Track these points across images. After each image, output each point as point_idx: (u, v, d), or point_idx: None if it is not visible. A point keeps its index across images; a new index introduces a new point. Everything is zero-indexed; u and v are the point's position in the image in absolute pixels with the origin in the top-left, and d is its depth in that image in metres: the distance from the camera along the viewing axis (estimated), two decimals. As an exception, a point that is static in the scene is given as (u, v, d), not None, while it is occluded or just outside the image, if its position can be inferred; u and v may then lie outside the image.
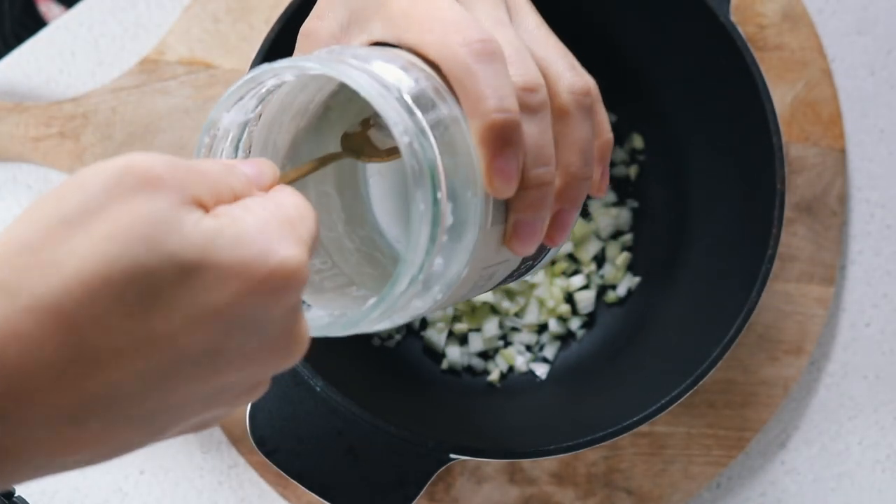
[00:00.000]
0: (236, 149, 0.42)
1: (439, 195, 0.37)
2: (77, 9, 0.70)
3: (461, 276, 0.40)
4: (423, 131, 0.37)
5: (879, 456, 0.68)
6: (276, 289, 0.32)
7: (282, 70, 0.39)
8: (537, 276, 0.67)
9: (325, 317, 0.42)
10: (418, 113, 0.37)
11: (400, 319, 0.41)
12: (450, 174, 0.38)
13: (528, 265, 0.47)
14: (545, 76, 0.42)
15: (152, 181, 0.31)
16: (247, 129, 0.42)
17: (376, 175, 0.49)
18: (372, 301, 0.38)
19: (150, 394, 0.31)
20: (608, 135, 0.46)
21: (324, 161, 0.43)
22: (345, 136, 0.45)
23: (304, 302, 0.43)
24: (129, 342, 0.30)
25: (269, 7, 0.68)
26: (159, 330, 0.30)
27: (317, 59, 0.39)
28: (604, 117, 0.46)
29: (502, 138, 0.38)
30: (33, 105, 0.67)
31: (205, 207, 0.32)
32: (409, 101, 0.37)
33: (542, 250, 0.47)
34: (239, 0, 0.68)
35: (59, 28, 0.69)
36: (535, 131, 0.40)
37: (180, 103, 0.67)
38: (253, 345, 0.33)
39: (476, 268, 0.41)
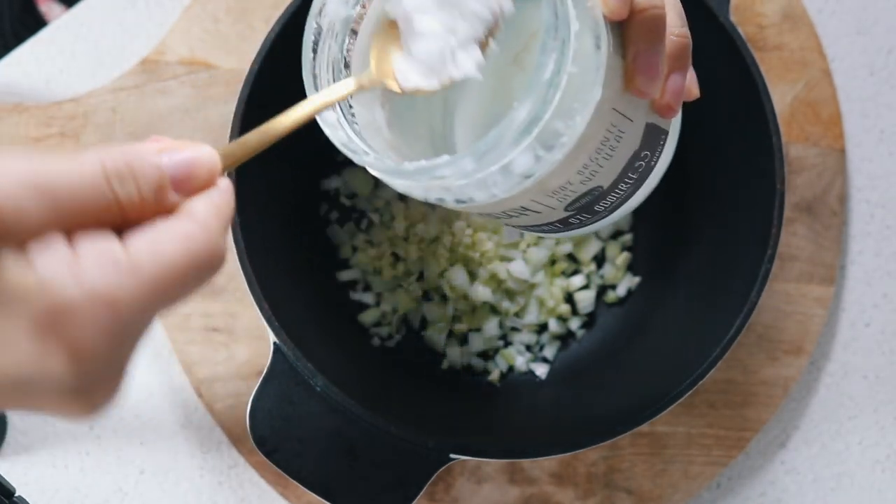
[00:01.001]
0: (341, 51, 0.42)
1: None
2: (77, 9, 0.70)
3: (599, 100, 0.40)
4: None
5: (879, 456, 0.68)
6: (63, 384, 0.32)
7: None
8: (537, 276, 0.67)
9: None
10: None
11: (549, 157, 0.41)
12: None
13: (645, 157, 0.47)
14: None
15: None
16: (347, 37, 0.42)
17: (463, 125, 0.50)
18: (517, 104, 0.38)
19: None
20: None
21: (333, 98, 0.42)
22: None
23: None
24: None
25: (269, 7, 0.68)
26: None
27: None
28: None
29: None
30: (33, 105, 0.67)
31: (34, 236, 0.30)
32: None
33: (657, 139, 0.47)
34: (239, 0, 0.68)
35: (60, 28, 0.69)
36: None
37: (180, 103, 0.67)
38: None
39: (609, 101, 0.41)
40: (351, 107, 0.44)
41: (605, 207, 0.49)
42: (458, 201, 0.42)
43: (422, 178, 0.40)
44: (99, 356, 0.31)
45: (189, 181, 0.34)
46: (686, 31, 0.45)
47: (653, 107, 0.45)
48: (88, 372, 0.31)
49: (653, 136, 0.47)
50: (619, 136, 0.44)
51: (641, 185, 0.49)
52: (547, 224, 0.49)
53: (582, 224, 0.50)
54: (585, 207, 0.47)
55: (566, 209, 0.46)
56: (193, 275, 0.33)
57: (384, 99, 0.46)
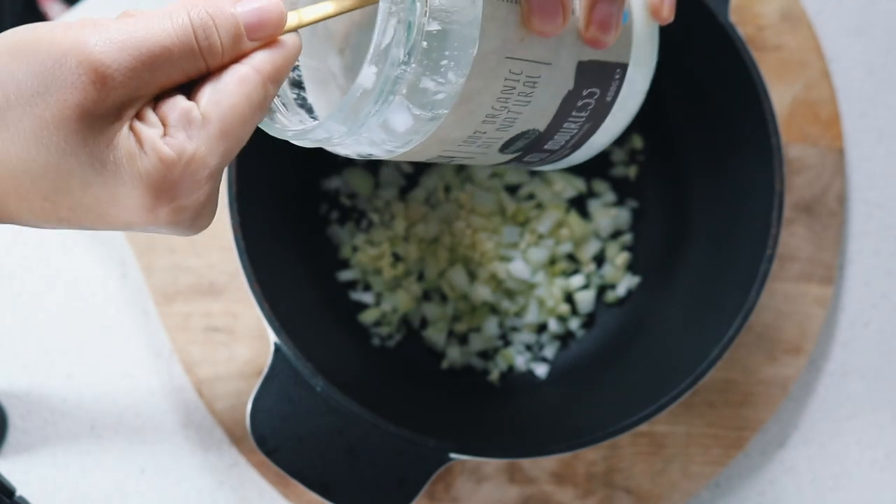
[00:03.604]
0: None
1: None
2: (79, 7, 0.70)
3: (476, 53, 0.38)
4: None
5: (878, 455, 0.68)
6: (172, 225, 0.36)
7: None
8: (537, 276, 0.67)
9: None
10: None
11: (429, 115, 0.38)
12: None
13: (591, 94, 0.43)
14: None
15: (89, 82, 0.33)
16: None
17: None
18: (361, 70, 0.36)
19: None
20: None
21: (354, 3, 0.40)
22: None
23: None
24: (42, 216, 0.36)
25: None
26: (63, 215, 0.36)
27: None
28: None
29: None
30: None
31: (144, 104, 0.35)
32: None
33: (606, 74, 0.43)
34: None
35: (60, 28, 0.69)
36: None
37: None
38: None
39: (497, 51, 0.39)
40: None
41: (562, 145, 0.46)
42: (360, 155, 0.40)
43: (303, 140, 0.39)
44: (198, 203, 0.36)
45: (260, 28, 0.37)
46: None
47: (583, 41, 0.42)
48: (191, 215, 0.36)
49: (596, 73, 0.43)
50: (532, 81, 0.41)
51: (603, 119, 0.46)
52: (498, 164, 0.46)
53: (544, 161, 0.47)
54: (528, 148, 0.45)
55: (501, 152, 0.44)
56: (250, 114, 0.36)
57: (344, 44, 0.44)
